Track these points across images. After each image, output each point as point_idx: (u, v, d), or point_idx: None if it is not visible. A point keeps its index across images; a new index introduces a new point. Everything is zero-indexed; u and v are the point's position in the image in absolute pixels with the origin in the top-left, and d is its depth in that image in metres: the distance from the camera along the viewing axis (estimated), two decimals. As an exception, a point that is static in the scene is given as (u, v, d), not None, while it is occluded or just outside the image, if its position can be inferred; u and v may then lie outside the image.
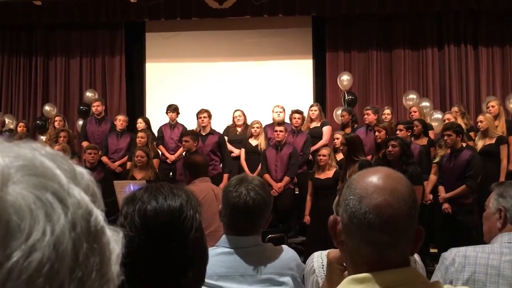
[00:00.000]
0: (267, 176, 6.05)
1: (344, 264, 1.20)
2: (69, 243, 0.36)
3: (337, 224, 1.01)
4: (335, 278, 1.26)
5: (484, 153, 5.60)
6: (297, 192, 6.42)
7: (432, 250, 5.51)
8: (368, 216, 0.96)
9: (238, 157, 6.74)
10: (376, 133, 5.63)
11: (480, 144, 5.82)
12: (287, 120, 7.06)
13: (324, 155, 5.53)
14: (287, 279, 1.77)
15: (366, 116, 6.56)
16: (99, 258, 0.39)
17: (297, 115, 6.66)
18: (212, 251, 1.66)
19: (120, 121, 7.05)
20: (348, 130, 6.60)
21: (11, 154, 0.37)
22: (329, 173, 5.46)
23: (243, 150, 6.67)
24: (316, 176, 5.56)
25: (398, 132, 5.68)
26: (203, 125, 6.63)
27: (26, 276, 0.33)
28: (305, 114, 7.01)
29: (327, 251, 1.44)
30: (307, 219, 5.67)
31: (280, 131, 6.27)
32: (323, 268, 1.78)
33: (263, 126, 6.91)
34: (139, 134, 6.59)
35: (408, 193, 0.99)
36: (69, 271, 0.36)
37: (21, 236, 0.34)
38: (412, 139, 5.84)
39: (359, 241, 0.98)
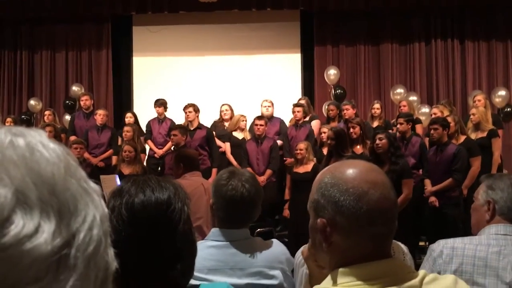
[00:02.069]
0: (249, 169, 6.04)
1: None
2: (106, 222, 0.45)
3: (326, 227, 0.98)
4: (314, 274, 1.26)
5: (476, 146, 5.63)
6: None
7: (420, 243, 5.56)
8: (370, 214, 0.96)
9: (225, 152, 6.73)
10: (351, 129, 5.60)
11: (472, 137, 5.85)
12: (276, 114, 7.05)
13: (301, 149, 5.56)
14: (277, 273, 1.78)
15: (345, 111, 6.57)
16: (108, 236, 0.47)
17: (297, 108, 6.61)
18: (201, 245, 1.65)
19: (100, 115, 6.88)
20: (334, 124, 6.61)
21: (57, 149, 0.44)
22: (308, 167, 5.48)
23: (227, 144, 6.65)
24: (295, 170, 5.59)
25: (398, 125, 5.70)
26: (189, 119, 6.59)
27: (91, 249, 0.41)
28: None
29: (301, 249, 1.43)
30: (286, 212, 5.71)
31: (261, 125, 6.28)
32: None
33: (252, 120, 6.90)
34: (125, 128, 6.52)
35: (389, 182, 1.02)
36: (108, 244, 0.45)
37: (79, 218, 0.41)
38: (412, 132, 5.86)
39: (360, 239, 0.97)
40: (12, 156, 0.40)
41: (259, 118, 6.43)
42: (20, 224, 0.38)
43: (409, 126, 5.72)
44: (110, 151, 6.75)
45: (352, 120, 5.80)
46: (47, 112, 7.54)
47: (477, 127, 5.88)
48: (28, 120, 8.05)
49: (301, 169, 5.50)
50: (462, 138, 5.55)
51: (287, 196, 5.73)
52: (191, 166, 3.72)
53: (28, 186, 0.39)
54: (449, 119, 5.51)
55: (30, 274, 0.37)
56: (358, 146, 5.43)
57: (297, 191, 5.41)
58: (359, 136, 5.49)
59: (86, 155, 6.61)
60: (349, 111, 6.55)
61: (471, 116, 5.94)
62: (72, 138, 6.85)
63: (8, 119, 7.52)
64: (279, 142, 6.61)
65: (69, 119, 8.07)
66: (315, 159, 5.63)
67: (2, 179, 0.39)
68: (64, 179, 0.42)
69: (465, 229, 4.85)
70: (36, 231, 0.38)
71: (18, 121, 7.64)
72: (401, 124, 5.69)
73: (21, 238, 0.37)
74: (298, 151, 5.56)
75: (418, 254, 5.03)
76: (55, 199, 0.40)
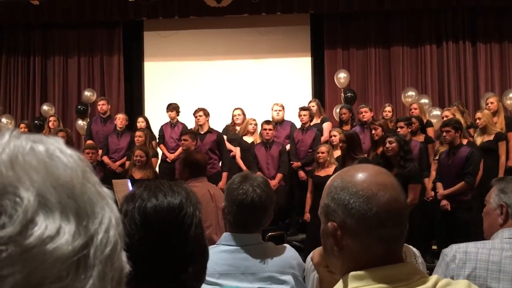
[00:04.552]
0: (259, 174, 6.03)
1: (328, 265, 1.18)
2: (121, 225, 0.47)
3: (337, 230, 0.99)
4: (326, 279, 1.26)
5: (482, 149, 5.61)
6: None
7: (433, 247, 5.51)
8: (380, 215, 0.96)
9: (235, 156, 6.73)
10: (373, 131, 5.64)
11: (478, 140, 5.83)
12: (287, 118, 7.05)
13: (322, 152, 5.54)
14: (288, 278, 1.77)
15: (363, 113, 6.53)
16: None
17: (303, 112, 6.62)
18: (213, 249, 1.65)
19: (120, 119, 7.01)
20: (346, 128, 6.59)
21: (74, 155, 0.46)
22: (329, 170, 5.45)
23: (238, 148, 6.66)
24: (316, 173, 5.55)
25: (398, 129, 5.68)
26: (199, 123, 6.63)
27: (108, 250, 0.43)
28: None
29: (310, 255, 1.43)
30: (307, 216, 5.67)
31: (269, 129, 6.29)
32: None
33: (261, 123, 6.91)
34: (137, 133, 6.57)
35: (399, 185, 1.02)
36: (122, 247, 0.46)
37: (96, 221, 0.43)
38: (412, 136, 5.84)
39: (370, 241, 0.97)
40: (32, 162, 0.42)
41: (267, 122, 6.44)
42: (43, 226, 0.40)
43: (409, 130, 5.72)
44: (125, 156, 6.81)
45: (375, 122, 5.80)
46: (52, 118, 7.62)
47: (484, 130, 5.84)
48: (41, 125, 8.13)
49: (322, 173, 5.47)
50: (464, 142, 5.52)
51: (308, 200, 5.71)
52: (197, 172, 3.59)
53: (48, 189, 0.41)
54: None
55: (53, 273, 0.39)
56: (381, 148, 5.41)
57: (319, 194, 5.36)
58: (381, 137, 5.48)
59: (106, 159, 6.69)
60: (367, 114, 6.51)
61: (477, 120, 5.90)
62: (89, 143, 6.93)
63: (22, 125, 7.60)
64: (287, 146, 6.61)
65: (81, 124, 8.15)
66: (336, 162, 5.61)
67: (24, 183, 0.40)
68: (81, 184, 0.44)
69: (477, 232, 4.80)
70: (58, 232, 0.40)
71: (32, 127, 7.72)
72: (401, 127, 5.68)
73: (45, 238, 0.39)
74: (320, 155, 5.53)
75: (431, 258, 4.98)
76: (73, 202, 0.42)
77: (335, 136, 6.03)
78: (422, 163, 5.49)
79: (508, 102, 7.09)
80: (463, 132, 5.61)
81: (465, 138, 5.63)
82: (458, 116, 6.16)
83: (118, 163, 6.77)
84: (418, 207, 4.77)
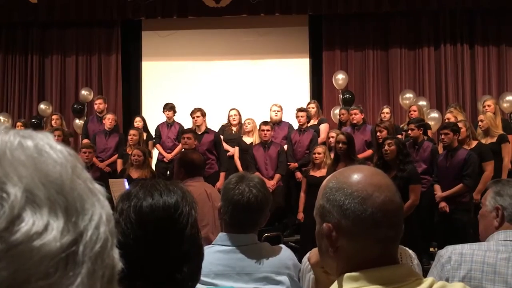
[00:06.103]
0: (257, 174, 6.03)
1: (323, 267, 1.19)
2: (112, 222, 0.46)
3: (332, 231, 0.99)
4: (321, 280, 1.26)
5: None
6: None
7: (430, 249, 5.52)
8: (375, 216, 0.96)
9: (233, 156, 6.74)
10: (378, 133, 5.67)
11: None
12: (284, 119, 7.06)
13: (319, 153, 5.56)
14: (284, 278, 1.77)
15: (353, 116, 6.56)
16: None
17: (300, 113, 6.63)
18: (209, 249, 1.65)
19: (109, 119, 6.95)
20: (345, 129, 6.60)
21: (64, 151, 0.45)
22: (324, 171, 5.47)
23: (236, 148, 6.67)
24: (311, 173, 5.58)
25: (409, 131, 5.69)
26: (197, 124, 6.63)
27: (98, 246, 0.42)
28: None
29: (307, 256, 1.43)
30: (301, 216, 5.69)
31: (267, 130, 6.30)
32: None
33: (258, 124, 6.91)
34: (131, 132, 6.55)
35: (394, 185, 1.02)
36: (114, 244, 0.46)
37: (86, 218, 0.42)
38: (425, 137, 5.84)
39: (365, 242, 0.97)
40: (21, 157, 0.41)
41: (265, 123, 6.45)
42: (30, 222, 0.39)
43: (421, 131, 5.71)
44: (115, 155, 6.79)
45: (380, 124, 5.81)
46: (54, 117, 7.61)
47: (487, 133, 5.84)
48: (38, 124, 8.12)
49: (317, 173, 5.49)
50: (474, 143, 5.51)
51: (302, 199, 5.72)
52: (192, 172, 3.54)
53: (36, 185, 0.40)
54: (460, 124, 5.47)
55: (41, 270, 0.38)
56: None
57: (313, 195, 5.37)
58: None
59: (93, 159, 6.66)
60: (357, 115, 6.54)
61: (480, 123, 5.91)
62: (84, 141, 6.90)
63: (18, 123, 7.58)
64: (285, 147, 6.62)
65: (78, 123, 8.14)
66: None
67: (12, 178, 0.39)
68: (71, 180, 0.43)
69: (475, 235, 4.80)
70: (46, 228, 0.39)
71: (28, 125, 7.70)
72: (412, 130, 5.68)
73: (32, 235, 0.39)
74: (316, 155, 5.56)
75: (428, 260, 4.98)
76: (62, 198, 0.41)
77: (333, 137, 6.03)
78: (434, 165, 5.48)
79: (505, 105, 7.10)
80: (473, 134, 5.60)
81: (475, 139, 5.61)
82: (461, 117, 6.16)
83: (105, 162, 6.75)
84: (419, 209, 4.79)
